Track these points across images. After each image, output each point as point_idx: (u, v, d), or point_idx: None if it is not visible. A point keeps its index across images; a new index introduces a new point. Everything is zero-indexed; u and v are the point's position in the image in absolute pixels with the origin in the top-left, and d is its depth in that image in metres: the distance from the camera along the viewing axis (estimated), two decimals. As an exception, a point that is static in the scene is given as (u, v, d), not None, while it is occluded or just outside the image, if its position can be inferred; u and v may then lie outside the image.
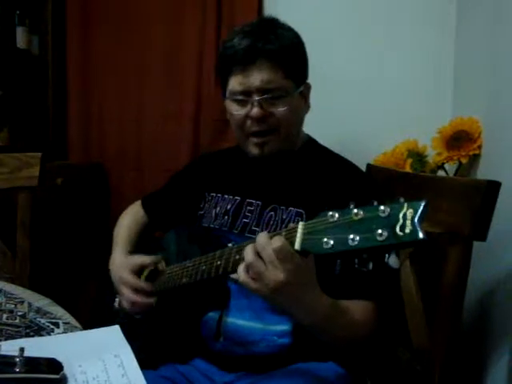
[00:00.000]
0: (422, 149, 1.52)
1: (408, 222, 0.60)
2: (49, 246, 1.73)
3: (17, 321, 0.90)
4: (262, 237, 0.76)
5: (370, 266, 0.65)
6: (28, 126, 2.08)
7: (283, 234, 0.75)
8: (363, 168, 1.36)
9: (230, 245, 1.05)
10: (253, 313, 1.00)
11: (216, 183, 1.19)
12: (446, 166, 1.45)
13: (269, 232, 0.79)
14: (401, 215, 0.60)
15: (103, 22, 2.04)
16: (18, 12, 2.01)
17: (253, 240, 0.78)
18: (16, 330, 0.87)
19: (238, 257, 0.82)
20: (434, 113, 1.60)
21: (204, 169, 1.24)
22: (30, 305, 0.99)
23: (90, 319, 1.04)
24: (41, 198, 1.50)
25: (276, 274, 0.73)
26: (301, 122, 1.12)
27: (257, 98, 1.02)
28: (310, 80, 1.13)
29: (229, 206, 1.13)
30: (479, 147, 1.34)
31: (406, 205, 0.61)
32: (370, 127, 1.68)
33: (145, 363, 0.73)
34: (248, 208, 1.10)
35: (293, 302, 0.80)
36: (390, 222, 0.61)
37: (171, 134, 1.97)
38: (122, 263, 1.14)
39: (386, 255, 0.65)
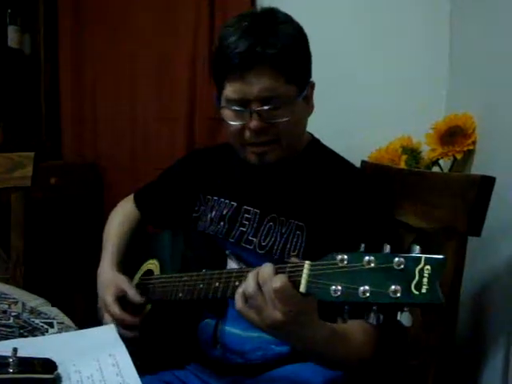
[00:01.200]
0: (417, 145, 1.52)
1: (425, 280, 0.56)
2: (43, 246, 1.73)
3: (10, 321, 0.90)
4: (266, 269, 0.72)
5: (381, 319, 0.60)
6: (21, 126, 2.07)
7: (287, 270, 0.71)
8: (358, 165, 1.36)
9: (227, 252, 1.04)
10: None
11: (212, 184, 1.13)
12: (441, 161, 1.45)
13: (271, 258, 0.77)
14: (417, 270, 0.56)
15: (96, 20, 2.03)
16: (9, 11, 2.00)
17: (254, 268, 0.75)
18: (10, 330, 0.86)
19: (237, 283, 0.79)
20: (428, 109, 1.59)
21: (198, 167, 1.18)
22: (23, 305, 0.98)
23: (84, 319, 1.03)
24: (34, 198, 1.50)
25: (274, 313, 0.70)
26: (304, 127, 1.05)
27: (256, 109, 0.93)
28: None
29: (225, 212, 1.08)
30: (474, 143, 1.34)
31: (423, 259, 0.57)
32: (364, 123, 1.67)
33: (141, 369, 0.72)
34: (245, 216, 1.05)
35: (288, 338, 0.78)
36: (404, 277, 0.57)
37: (165, 133, 1.96)
38: (108, 281, 1.07)
39: (399, 313, 0.58)
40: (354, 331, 0.86)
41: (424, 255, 0.57)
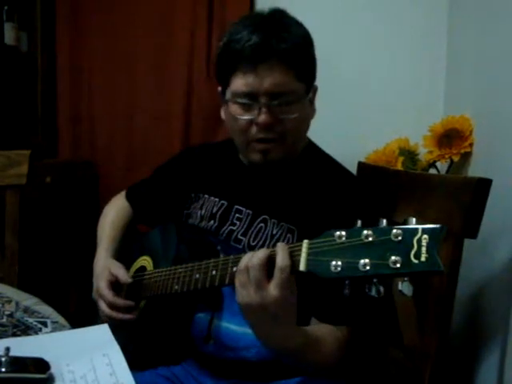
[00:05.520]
0: (414, 147, 1.52)
1: (423, 249, 0.57)
2: (37, 245, 1.72)
3: (4, 320, 0.89)
4: (259, 254, 0.74)
5: (382, 291, 0.62)
6: (17, 124, 2.06)
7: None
8: (354, 166, 1.36)
9: (218, 247, 1.03)
10: None
11: (203, 182, 1.13)
12: (438, 164, 1.45)
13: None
14: (415, 240, 0.57)
15: (93, 19, 2.02)
16: (6, 8, 1.98)
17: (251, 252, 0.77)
18: (3, 329, 0.86)
19: (235, 269, 0.78)
20: (425, 111, 1.60)
21: (191, 165, 1.18)
22: (17, 304, 0.98)
23: (78, 318, 1.02)
24: (29, 196, 1.49)
25: (255, 294, 0.73)
26: (308, 128, 1.04)
27: (266, 103, 0.92)
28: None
29: (215, 210, 1.07)
30: (471, 145, 1.34)
31: (420, 229, 0.58)
32: (362, 125, 1.68)
33: (137, 366, 0.72)
34: (236, 215, 1.05)
35: (260, 329, 0.79)
36: (403, 248, 0.58)
37: (161, 132, 1.96)
38: (101, 268, 1.07)
39: (399, 283, 0.60)
40: (326, 340, 0.86)
41: (421, 226, 0.58)
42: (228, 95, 0.97)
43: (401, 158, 1.50)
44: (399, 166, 1.48)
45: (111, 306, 1.01)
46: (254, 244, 1.00)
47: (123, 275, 1.04)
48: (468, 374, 1.21)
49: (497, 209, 1.02)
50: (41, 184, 1.79)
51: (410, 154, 1.51)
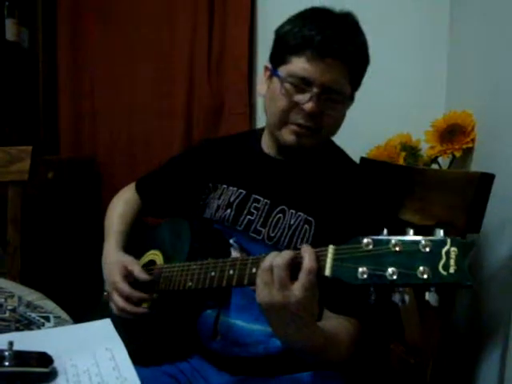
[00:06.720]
0: (416, 142, 1.52)
1: (452, 261, 0.57)
2: (40, 241, 1.72)
3: (6, 315, 0.90)
4: (284, 255, 0.74)
5: (406, 300, 0.62)
6: (18, 120, 2.06)
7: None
8: (357, 161, 1.36)
9: (231, 241, 1.03)
10: (252, 314, 0.97)
11: (221, 173, 1.13)
12: (440, 159, 1.45)
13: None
14: (443, 252, 0.58)
15: (94, 15, 2.03)
16: (7, 3, 1.98)
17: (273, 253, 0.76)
18: (5, 324, 0.86)
19: (254, 270, 0.78)
20: (427, 106, 1.60)
21: (208, 157, 1.17)
22: (20, 299, 0.98)
23: (81, 313, 1.03)
24: (31, 192, 1.49)
25: (277, 293, 0.73)
26: (338, 129, 1.07)
27: (318, 93, 0.95)
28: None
29: (232, 199, 1.07)
30: (473, 140, 1.34)
31: (449, 241, 0.58)
32: (364, 120, 1.66)
33: (143, 361, 0.72)
34: (254, 204, 1.05)
35: (280, 328, 0.79)
36: (431, 259, 0.58)
37: (163, 129, 1.96)
38: (114, 263, 1.07)
39: (426, 293, 0.60)
40: (341, 335, 0.88)
41: (450, 237, 0.59)
42: (282, 73, 0.99)
43: (403, 154, 1.49)
44: (401, 162, 1.48)
45: (127, 298, 1.01)
46: (273, 235, 1.01)
47: (140, 273, 1.02)
48: (470, 370, 1.21)
49: (499, 204, 1.02)
50: (43, 180, 1.79)
51: (411, 150, 1.51)
